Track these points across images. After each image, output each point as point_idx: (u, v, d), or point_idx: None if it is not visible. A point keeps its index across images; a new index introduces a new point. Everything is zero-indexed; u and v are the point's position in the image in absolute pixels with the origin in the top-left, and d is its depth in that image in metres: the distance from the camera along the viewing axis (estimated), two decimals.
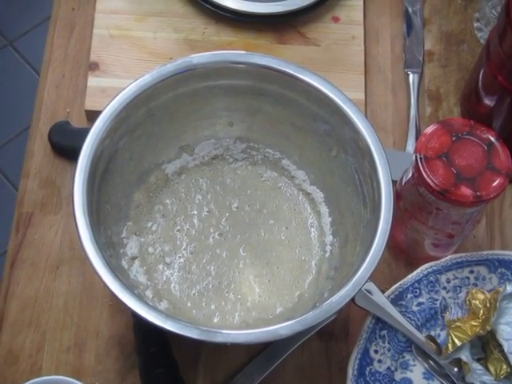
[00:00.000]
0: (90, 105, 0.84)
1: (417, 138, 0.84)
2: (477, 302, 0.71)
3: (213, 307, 0.73)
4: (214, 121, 0.77)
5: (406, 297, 0.75)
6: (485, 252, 0.76)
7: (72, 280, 0.78)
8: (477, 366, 0.71)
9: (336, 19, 0.91)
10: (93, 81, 0.85)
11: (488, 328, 0.69)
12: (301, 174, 0.79)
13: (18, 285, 0.78)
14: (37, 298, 0.77)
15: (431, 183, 0.66)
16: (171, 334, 0.61)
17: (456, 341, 0.70)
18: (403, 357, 0.74)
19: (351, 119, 0.69)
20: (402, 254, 0.80)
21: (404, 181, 0.72)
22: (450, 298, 0.75)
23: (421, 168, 0.67)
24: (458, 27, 0.92)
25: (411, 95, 0.88)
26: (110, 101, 0.69)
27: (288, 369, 0.76)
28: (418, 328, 0.74)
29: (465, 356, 0.70)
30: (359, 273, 0.63)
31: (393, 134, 0.86)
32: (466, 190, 0.66)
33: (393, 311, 0.73)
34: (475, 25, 0.91)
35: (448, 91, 0.88)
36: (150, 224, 0.76)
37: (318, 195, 0.78)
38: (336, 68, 0.88)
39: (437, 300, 0.75)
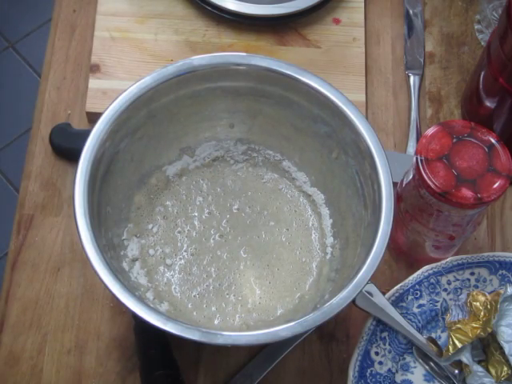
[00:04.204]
0: (90, 107, 0.84)
1: (417, 140, 0.85)
2: (477, 303, 0.71)
3: (213, 309, 0.73)
4: (215, 122, 0.78)
5: (407, 298, 0.75)
6: (485, 254, 0.76)
7: (73, 282, 0.78)
8: (478, 368, 0.71)
9: (337, 21, 0.91)
10: (94, 83, 0.85)
11: (489, 330, 0.69)
12: (301, 176, 0.79)
13: (19, 286, 0.78)
14: (38, 300, 0.77)
15: (432, 185, 0.66)
16: (172, 336, 0.61)
17: (457, 343, 0.70)
18: (404, 358, 0.74)
19: (352, 121, 0.69)
20: (403, 255, 0.80)
21: (405, 183, 0.72)
22: (450, 299, 0.75)
23: (421, 170, 0.67)
24: (458, 29, 0.92)
25: (412, 97, 0.88)
26: (111, 103, 0.69)
27: (289, 371, 0.76)
28: (419, 330, 0.74)
29: (466, 358, 0.70)
30: (360, 274, 0.64)
31: (393, 136, 0.86)
32: (466, 192, 0.66)
33: (393, 313, 0.73)
34: (476, 27, 0.91)
35: (449, 93, 0.88)
36: (150, 226, 0.76)
37: (319, 197, 0.78)
38: (337, 70, 0.88)
39: (437, 302, 0.75)
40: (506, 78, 0.76)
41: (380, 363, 0.73)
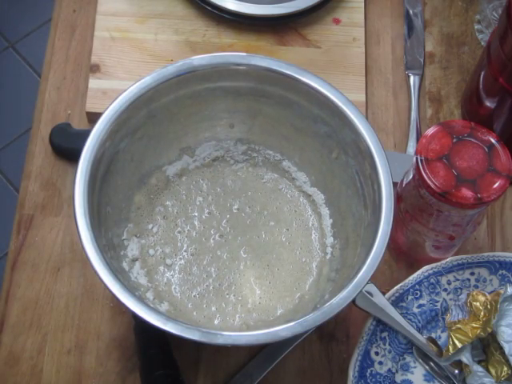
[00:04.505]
0: (90, 107, 0.84)
1: (417, 140, 0.85)
2: (477, 303, 0.71)
3: (213, 309, 0.73)
4: (215, 122, 0.78)
5: (407, 298, 0.75)
6: (485, 254, 0.76)
7: (73, 282, 0.78)
8: (478, 368, 0.71)
9: (337, 21, 0.91)
10: (94, 83, 0.85)
11: (489, 330, 0.69)
12: (301, 176, 0.79)
13: (19, 287, 0.78)
14: (38, 300, 0.77)
15: (432, 185, 0.66)
16: (172, 336, 0.61)
17: (457, 343, 0.70)
18: (404, 359, 0.74)
19: (352, 121, 0.69)
20: (403, 255, 0.80)
21: (405, 183, 0.72)
22: (450, 299, 0.75)
23: (421, 170, 0.67)
24: (458, 29, 0.92)
25: (412, 97, 0.88)
26: (111, 103, 0.69)
27: (289, 370, 0.76)
28: (419, 330, 0.74)
29: (466, 358, 0.70)
30: (360, 274, 0.64)
31: (393, 136, 0.86)
32: (466, 192, 0.66)
33: (393, 313, 0.73)
34: (476, 27, 0.91)
35: (449, 93, 0.88)
36: (150, 226, 0.76)
37: (319, 197, 0.78)
38: (337, 70, 0.88)
39: (437, 302, 0.75)
40: (506, 77, 0.76)
41: (380, 363, 0.73)
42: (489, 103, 0.80)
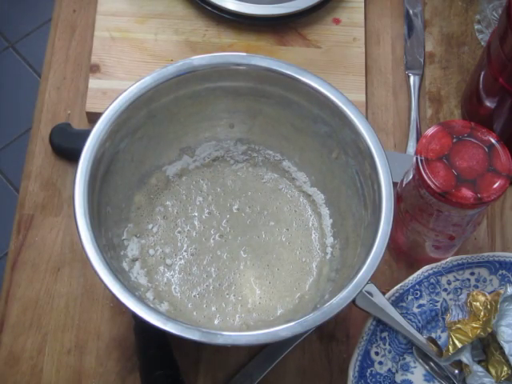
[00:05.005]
0: (90, 107, 0.84)
1: (417, 140, 0.85)
2: (477, 303, 0.71)
3: (213, 309, 0.73)
4: (215, 122, 0.78)
5: (407, 298, 0.75)
6: (485, 254, 0.76)
7: (73, 282, 0.78)
8: (478, 368, 0.71)
9: (337, 21, 0.91)
10: (94, 83, 0.85)
11: (489, 330, 0.69)
12: (301, 176, 0.79)
13: (19, 287, 0.78)
14: (38, 300, 0.77)
15: (432, 185, 0.66)
16: (172, 336, 0.61)
17: (457, 343, 0.70)
18: (404, 358, 0.74)
19: (352, 121, 0.69)
20: (403, 255, 0.80)
21: (405, 182, 0.72)
22: (450, 299, 0.75)
23: (421, 170, 0.67)
24: (458, 29, 0.92)
25: (412, 97, 0.88)
26: (111, 103, 0.69)
27: (289, 370, 0.76)
28: (419, 330, 0.74)
29: (466, 358, 0.70)
30: (360, 274, 0.64)
31: (393, 136, 0.86)
32: (466, 192, 0.66)
33: (393, 313, 0.73)
34: (476, 27, 0.91)
35: (449, 93, 0.88)
36: (150, 226, 0.76)
37: (319, 197, 0.78)
38: (337, 70, 0.88)
39: (437, 302, 0.75)
40: (505, 77, 0.76)
41: (380, 363, 0.73)
42: (489, 103, 0.80)
